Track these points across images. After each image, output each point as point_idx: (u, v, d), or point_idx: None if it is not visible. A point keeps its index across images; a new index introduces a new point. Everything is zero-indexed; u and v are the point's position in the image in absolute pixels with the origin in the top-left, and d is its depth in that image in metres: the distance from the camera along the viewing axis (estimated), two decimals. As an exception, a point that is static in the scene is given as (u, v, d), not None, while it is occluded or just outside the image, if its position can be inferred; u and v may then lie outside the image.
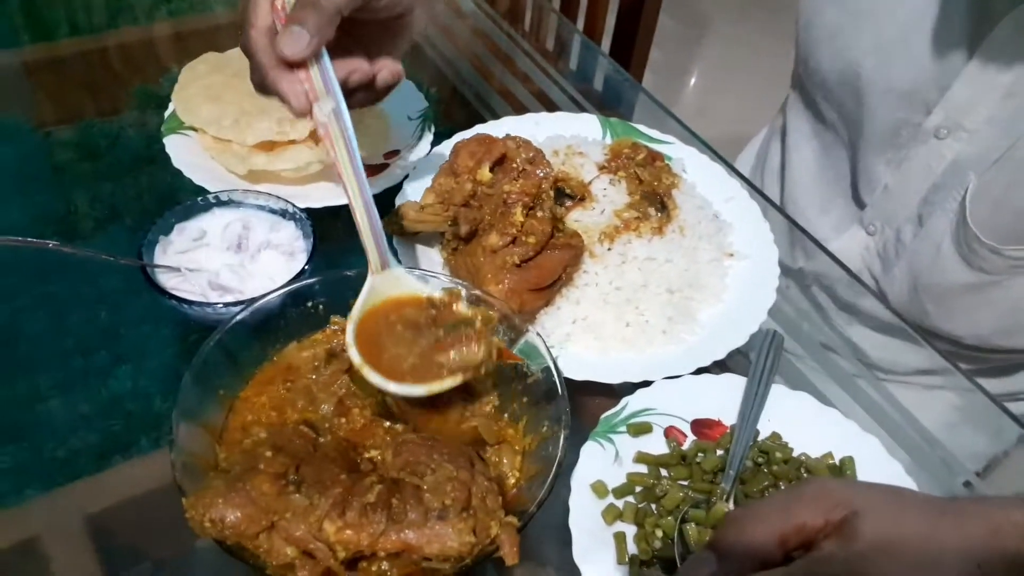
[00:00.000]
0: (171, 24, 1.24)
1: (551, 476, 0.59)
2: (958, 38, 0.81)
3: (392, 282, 0.68)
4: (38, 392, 0.77)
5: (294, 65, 0.62)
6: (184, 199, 0.81)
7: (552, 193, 0.81)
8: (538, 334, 0.68)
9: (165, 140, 0.92)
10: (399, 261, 0.82)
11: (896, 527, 0.47)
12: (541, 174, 0.81)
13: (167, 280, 0.76)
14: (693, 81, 3.09)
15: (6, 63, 1.14)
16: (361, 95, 0.70)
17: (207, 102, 0.93)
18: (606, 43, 1.68)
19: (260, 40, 0.62)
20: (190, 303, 0.73)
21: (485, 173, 0.80)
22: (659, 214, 0.87)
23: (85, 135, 1.02)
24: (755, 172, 1.20)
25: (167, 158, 0.91)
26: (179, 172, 0.89)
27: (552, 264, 0.78)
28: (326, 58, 0.63)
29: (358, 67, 0.67)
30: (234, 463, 0.59)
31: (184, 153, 0.91)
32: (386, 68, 0.69)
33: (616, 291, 0.81)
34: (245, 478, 0.55)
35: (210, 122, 0.91)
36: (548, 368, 0.67)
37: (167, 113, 0.96)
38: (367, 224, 0.66)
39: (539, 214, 0.79)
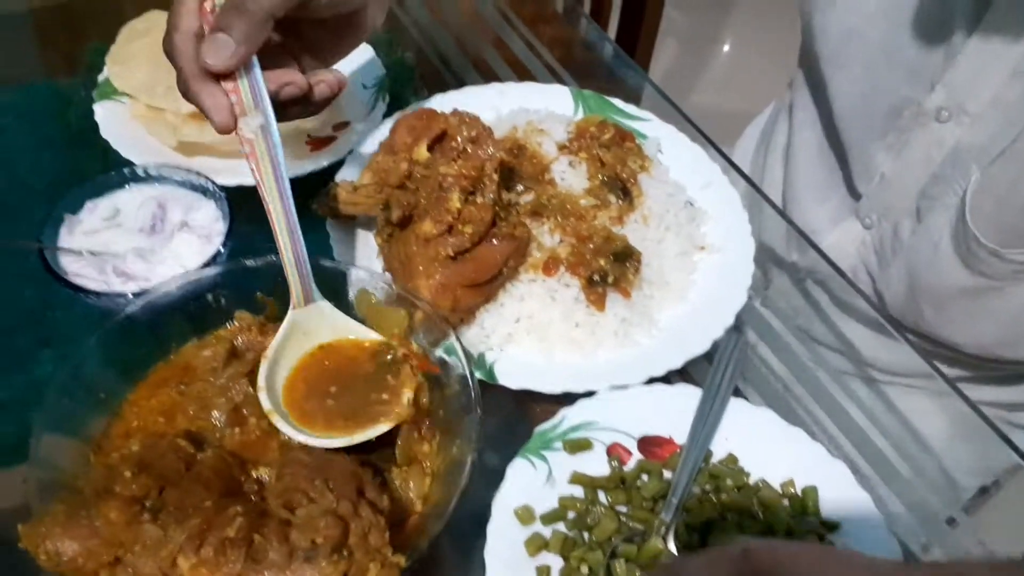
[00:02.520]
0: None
1: (448, 508, 0.52)
2: (963, 7, 0.71)
3: (315, 318, 0.63)
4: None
5: (220, 75, 0.55)
6: (105, 171, 0.75)
7: (496, 177, 0.72)
8: (458, 339, 0.61)
9: (95, 106, 0.85)
10: (333, 249, 0.75)
11: None
12: (484, 155, 0.72)
13: (69, 265, 0.69)
14: (726, 48, 2.93)
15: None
16: (296, 109, 0.63)
17: (142, 66, 0.86)
18: (614, 18, 1.57)
19: (183, 45, 0.57)
20: (87, 292, 0.66)
21: (422, 152, 0.72)
22: (620, 201, 0.78)
23: (23, 96, 0.96)
24: (759, 149, 1.10)
25: (93, 125, 0.84)
26: (108, 143, 0.83)
27: (492, 257, 0.70)
28: (256, 68, 0.57)
29: (292, 79, 0.60)
30: (93, 481, 0.53)
31: (114, 122, 0.85)
32: (324, 82, 0.63)
33: (565, 288, 0.73)
34: (93, 503, 0.49)
35: (143, 89, 0.85)
36: (464, 378, 0.59)
37: (100, 77, 0.89)
38: (291, 254, 0.60)
39: (479, 200, 0.71)
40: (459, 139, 0.72)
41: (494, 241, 0.70)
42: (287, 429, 0.58)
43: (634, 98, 0.96)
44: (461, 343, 0.61)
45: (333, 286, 0.65)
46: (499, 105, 0.89)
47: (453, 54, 1.07)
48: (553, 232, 0.74)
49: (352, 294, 0.66)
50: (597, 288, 0.71)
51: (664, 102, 0.97)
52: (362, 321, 0.65)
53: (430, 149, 0.73)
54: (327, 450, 0.57)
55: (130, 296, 0.66)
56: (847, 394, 0.77)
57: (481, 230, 0.69)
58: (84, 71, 0.99)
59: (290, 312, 0.62)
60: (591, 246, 0.73)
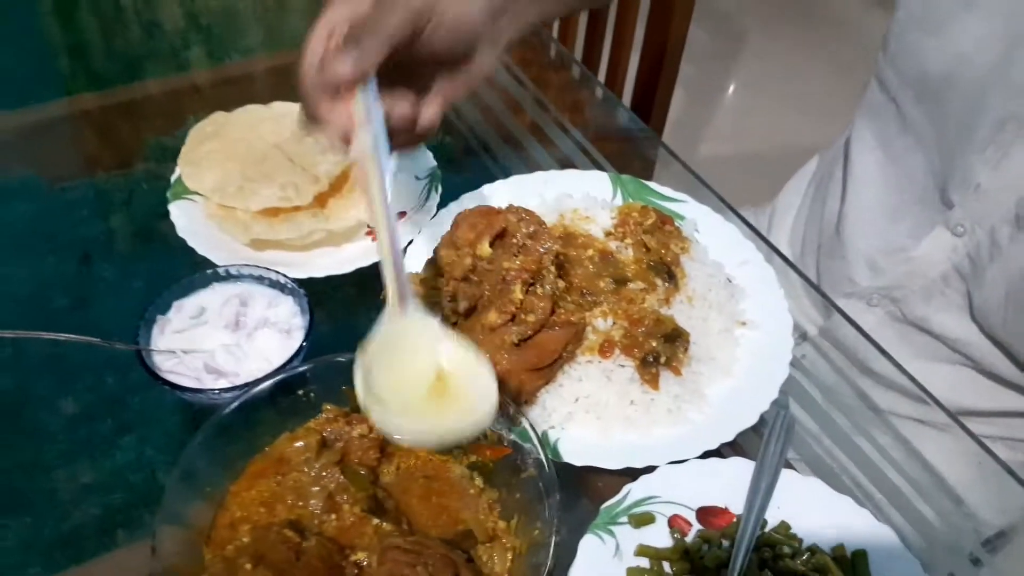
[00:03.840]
0: (186, 76, 1.25)
1: (540, 591, 0.57)
2: None
3: (411, 327, 0.64)
4: (40, 462, 0.77)
5: (341, 94, 0.63)
6: (187, 270, 0.81)
7: (553, 269, 0.79)
8: (530, 424, 0.66)
9: (170, 207, 0.92)
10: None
11: None
12: (543, 249, 0.78)
13: (163, 363, 0.75)
14: (729, 95, 3.03)
15: (21, 120, 1.15)
16: (402, 137, 0.70)
17: (212, 167, 0.93)
18: (627, 94, 1.64)
19: (309, 71, 0.64)
20: (184, 389, 0.72)
21: (485, 248, 0.78)
22: (666, 284, 0.84)
23: (97, 193, 1.03)
24: (818, 191, 1.16)
25: (170, 224, 0.91)
26: (182, 240, 0.89)
27: (552, 343, 0.76)
28: (373, 88, 0.63)
29: (403, 99, 0.68)
30: (215, 574, 0.58)
31: (188, 220, 0.91)
32: (430, 109, 0.70)
33: (620, 368, 0.78)
34: (220, 596, 0.54)
35: (215, 189, 0.91)
36: (540, 462, 0.65)
37: (173, 177, 0.96)
38: (389, 256, 0.63)
39: (539, 291, 0.77)
40: (519, 235, 0.79)
41: (555, 328, 0.76)
42: (387, 422, 0.60)
43: (666, 178, 1.03)
44: (533, 427, 0.66)
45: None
46: (543, 192, 0.96)
47: (483, 139, 1.14)
48: (606, 317, 0.80)
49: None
50: (651, 368, 0.77)
51: (696, 181, 1.04)
52: None
53: (491, 244, 0.79)
54: (418, 536, 0.62)
55: (217, 392, 0.72)
56: (884, 457, 0.82)
57: (542, 318, 0.75)
58: (148, 168, 1.06)
59: (387, 311, 0.63)
60: (643, 329, 0.79)
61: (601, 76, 1.57)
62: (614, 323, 0.80)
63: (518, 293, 0.75)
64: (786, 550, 0.70)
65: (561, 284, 0.79)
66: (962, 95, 0.88)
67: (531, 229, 0.79)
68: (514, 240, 0.79)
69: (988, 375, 0.96)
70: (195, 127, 0.98)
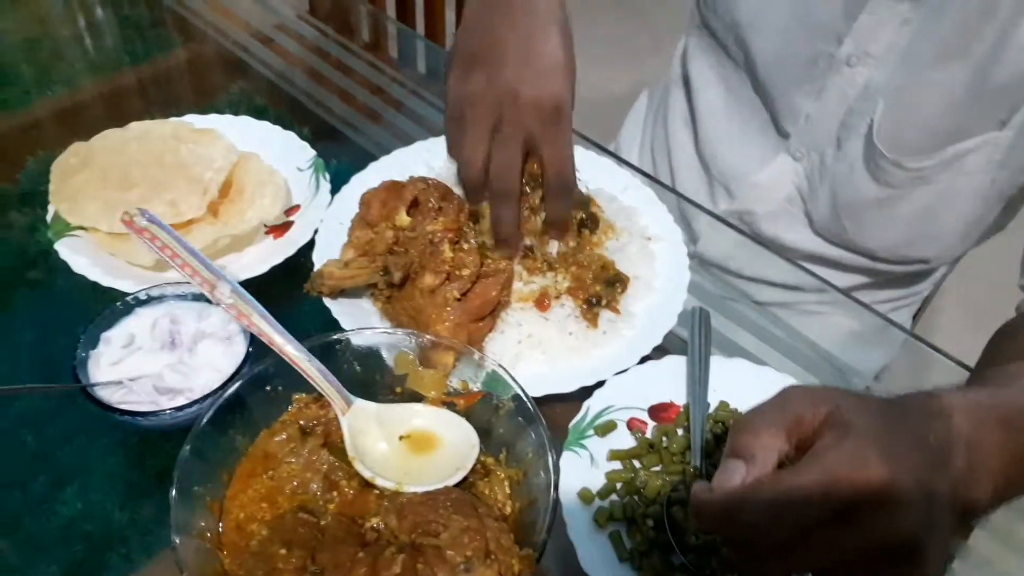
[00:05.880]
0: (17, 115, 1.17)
1: (551, 500, 0.63)
2: None
3: (361, 413, 0.71)
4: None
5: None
6: (97, 304, 0.79)
7: (470, 223, 0.83)
8: (501, 365, 0.71)
9: (57, 246, 0.88)
10: (339, 322, 0.83)
11: (872, 414, 0.53)
12: (456, 208, 0.83)
13: (111, 396, 0.73)
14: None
15: None
16: None
17: (91, 198, 0.89)
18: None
19: None
20: (144, 415, 0.71)
21: (404, 218, 0.82)
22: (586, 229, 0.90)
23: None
24: (657, 124, 1.26)
25: (62, 264, 0.87)
26: (82, 276, 0.86)
27: (489, 291, 0.80)
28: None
29: None
30: (250, 570, 0.59)
31: (81, 256, 0.87)
32: None
33: (555, 302, 0.85)
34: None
35: (101, 219, 0.88)
36: (518, 395, 0.70)
37: (49, 216, 0.91)
38: (310, 367, 0.69)
39: (465, 246, 0.81)
40: (432, 200, 0.82)
41: (488, 278, 0.81)
42: (391, 486, 0.66)
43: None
44: (500, 365, 0.72)
45: (371, 358, 0.74)
46: (429, 160, 0.99)
47: (342, 118, 1.16)
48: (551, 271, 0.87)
49: (389, 358, 0.74)
50: (594, 309, 0.84)
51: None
52: (403, 378, 0.74)
53: (408, 214, 0.82)
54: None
55: (177, 409, 0.71)
56: (775, 324, 0.95)
57: (475, 270, 0.80)
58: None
59: (342, 419, 0.70)
60: (590, 275, 0.86)
61: (421, 31, 1.63)
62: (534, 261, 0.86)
63: (448, 251, 0.79)
64: (731, 422, 0.79)
65: (482, 236, 0.84)
66: (770, 39, 1.01)
67: (440, 192, 0.84)
68: (429, 205, 0.82)
69: (837, 267, 1.12)
70: (56, 162, 0.94)
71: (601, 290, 0.85)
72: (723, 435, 0.79)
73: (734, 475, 0.53)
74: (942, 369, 0.90)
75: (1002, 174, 0.96)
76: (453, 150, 0.83)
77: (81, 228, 0.89)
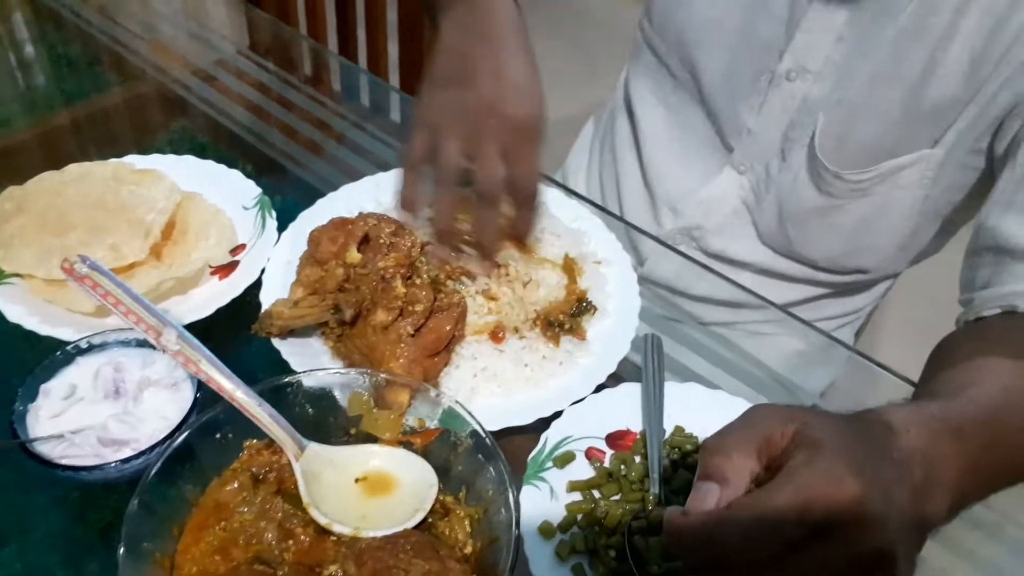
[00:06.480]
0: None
1: (514, 538, 0.62)
2: None
3: (315, 458, 0.69)
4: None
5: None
6: (34, 355, 0.76)
7: (423, 259, 0.83)
8: (457, 401, 0.71)
9: (-9, 296, 0.85)
10: (288, 363, 0.81)
11: (839, 432, 0.54)
12: (409, 243, 0.82)
13: (52, 451, 0.70)
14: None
15: None
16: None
17: (27, 244, 0.86)
18: (394, 79, 1.70)
19: None
20: (88, 469, 0.68)
21: (354, 255, 0.81)
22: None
23: None
24: (604, 150, 1.28)
25: (-2, 314, 0.84)
26: (17, 326, 0.83)
27: (443, 326, 0.80)
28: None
29: None
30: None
31: (16, 304, 0.84)
32: None
33: (510, 334, 0.84)
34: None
35: (38, 265, 0.85)
36: (475, 431, 0.69)
37: (-21, 267, 0.88)
38: (268, 419, 0.68)
39: (418, 281, 0.81)
40: (384, 235, 0.82)
41: (441, 313, 0.80)
42: (349, 532, 0.65)
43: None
44: (457, 402, 0.71)
45: (324, 399, 0.73)
46: (377, 196, 0.99)
47: (286, 154, 1.15)
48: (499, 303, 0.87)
49: (343, 399, 0.73)
50: (554, 329, 0.85)
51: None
52: (358, 419, 0.73)
53: (359, 251, 0.81)
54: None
55: (123, 461, 0.69)
56: (725, 347, 0.96)
57: (429, 305, 0.79)
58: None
59: (295, 464, 0.68)
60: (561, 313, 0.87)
61: (364, 65, 1.63)
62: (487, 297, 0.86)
63: (400, 287, 0.79)
64: (688, 447, 0.80)
65: (435, 271, 0.83)
66: (716, 57, 1.03)
67: (392, 228, 0.83)
68: (381, 240, 0.82)
69: (783, 279, 1.14)
70: (-12, 208, 0.91)
71: (565, 319, 0.86)
72: (680, 460, 0.79)
73: (708, 497, 0.53)
74: (886, 385, 0.92)
75: (935, 190, 0.99)
76: (416, 154, 0.82)
77: (16, 275, 0.86)
